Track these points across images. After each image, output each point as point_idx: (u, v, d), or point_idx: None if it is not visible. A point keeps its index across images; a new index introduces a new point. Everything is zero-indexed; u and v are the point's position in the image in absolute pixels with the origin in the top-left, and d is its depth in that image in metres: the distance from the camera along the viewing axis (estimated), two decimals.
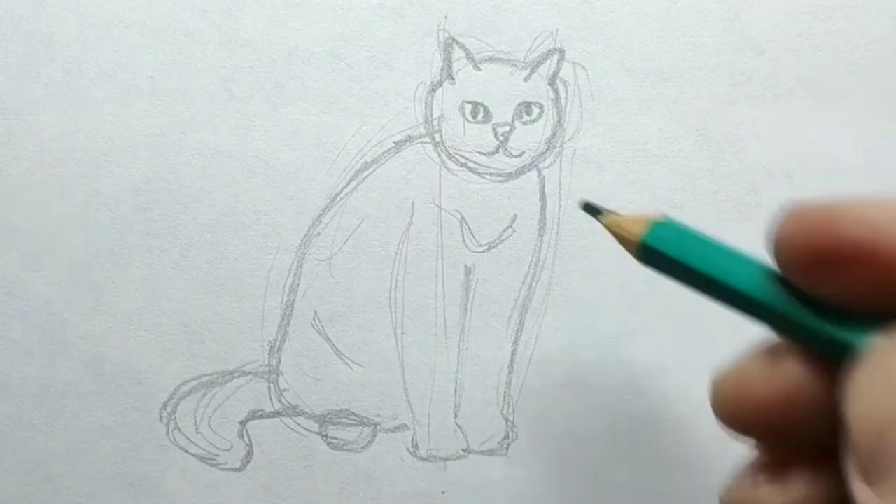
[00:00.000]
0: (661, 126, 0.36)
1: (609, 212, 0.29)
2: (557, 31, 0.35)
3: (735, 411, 0.21)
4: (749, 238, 0.36)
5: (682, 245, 0.26)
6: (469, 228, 0.36)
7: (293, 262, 0.36)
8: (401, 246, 0.36)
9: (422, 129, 0.36)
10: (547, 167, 0.36)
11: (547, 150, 0.36)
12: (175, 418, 0.36)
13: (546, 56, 0.35)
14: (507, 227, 0.36)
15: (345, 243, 0.36)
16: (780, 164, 0.36)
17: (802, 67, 0.35)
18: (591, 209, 0.30)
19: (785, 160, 0.36)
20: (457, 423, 0.37)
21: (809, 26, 0.35)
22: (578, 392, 0.37)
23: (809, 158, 0.36)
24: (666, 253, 0.26)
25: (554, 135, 0.36)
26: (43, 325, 0.35)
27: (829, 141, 0.36)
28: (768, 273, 0.22)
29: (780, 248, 0.20)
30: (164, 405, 0.36)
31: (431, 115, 0.36)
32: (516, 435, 0.38)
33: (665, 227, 0.27)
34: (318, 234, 0.36)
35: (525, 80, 0.35)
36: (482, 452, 0.38)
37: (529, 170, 0.36)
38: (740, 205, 0.36)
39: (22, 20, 0.35)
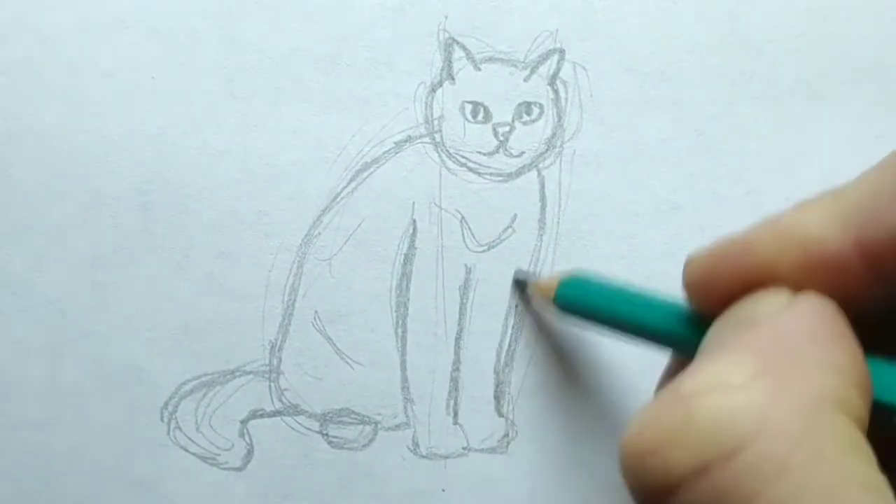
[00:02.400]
0: (661, 126, 0.36)
1: (532, 280, 0.34)
2: (557, 31, 0.35)
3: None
4: None
5: (591, 295, 0.29)
6: (469, 228, 0.36)
7: (294, 262, 0.36)
8: (401, 246, 0.36)
9: (422, 130, 0.36)
10: (547, 167, 0.36)
11: (547, 150, 0.36)
12: (176, 418, 0.36)
13: (546, 56, 0.35)
14: (507, 227, 0.36)
15: (345, 243, 0.36)
16: (779, 165, 0.36)
17: (802, 68, 0.35)
18: (519, 284, 0.36)
19: (785, 161, 0.36)
20: (457, 422, 0.38)
21: (810, 26, 0.35)
22: (578, 390, 0.38)
23: (809, 159, 0.36)
24: (576, 305, 0.29)
25: (554, 135, 0.36)
26: (45, 324, 0.35)
27: (828, 141, 0.36)
28: (677, 310, 0.24)
29: (690, 291, 0.23)
30: (166, 404, 0.36)
31: (432, 116, 0.36)
32: (516, 433, 0.38)
33: (572, 283, 0.30)
34: (319, 234, 0.36)
35: (525, 80, 0.35)
36: (482, 450, 0.38)
37: (529, 170, 0.36)
38: (740, 205, 0.36)
39: (23, 20, 0.35)
